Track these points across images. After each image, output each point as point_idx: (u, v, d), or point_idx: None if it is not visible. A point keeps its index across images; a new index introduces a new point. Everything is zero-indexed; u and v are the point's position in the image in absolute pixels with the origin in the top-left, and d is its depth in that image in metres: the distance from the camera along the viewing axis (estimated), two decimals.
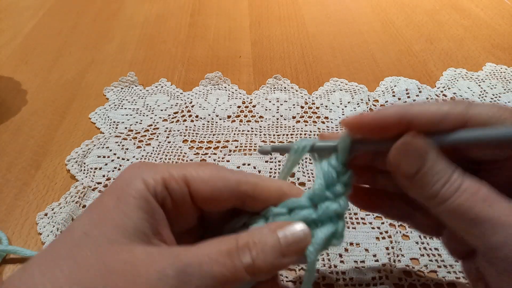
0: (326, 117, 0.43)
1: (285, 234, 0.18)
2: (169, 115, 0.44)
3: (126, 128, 0.42)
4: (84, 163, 0.38)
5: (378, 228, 0.32)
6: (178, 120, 0.43)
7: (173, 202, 0.19)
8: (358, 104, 0.45)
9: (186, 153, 0.39)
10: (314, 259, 0.18)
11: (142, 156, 0.39)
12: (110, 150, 0.40)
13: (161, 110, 0.45)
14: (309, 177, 0.37)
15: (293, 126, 0.42)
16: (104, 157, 0.39)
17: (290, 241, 0.17)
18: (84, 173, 0.37)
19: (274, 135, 0.41)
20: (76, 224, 0.17)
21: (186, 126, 0.43)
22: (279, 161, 0.38)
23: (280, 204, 0.20)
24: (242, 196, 0.19)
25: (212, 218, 0.21)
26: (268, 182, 0.20)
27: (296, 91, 0.47)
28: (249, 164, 0.38)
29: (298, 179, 0.36)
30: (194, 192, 0.19)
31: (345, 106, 0.45)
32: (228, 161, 0.38)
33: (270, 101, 0.45)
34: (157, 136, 0.41)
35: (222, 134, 0.41)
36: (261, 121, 0.43)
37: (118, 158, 0.39)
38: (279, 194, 0.20)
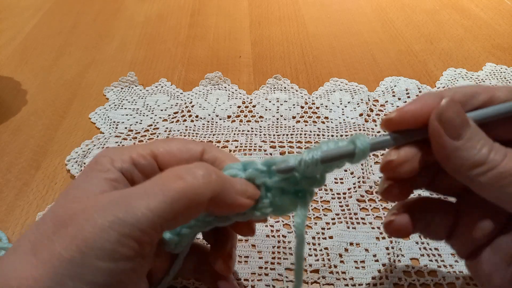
0: (326, 117, 0.43)
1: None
2: (169, 115, 0.44)
3: (126, 128, 0.42)
4: (84, 163, 0.38)
5: (378, 228, 0.32)
6: (178, 120, 0.43)
7: (144, 176, 0.20)
8: (358, 104, 0.45)
9: None
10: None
11: None
12: None
13: (161, 110, 0.45)
14: None
15: (293, 126, 0.42)
16: None
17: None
18: None
19: (274, 135, 0.41)
20: (53, 204, 0.19)
21: (186, 126, 0.43)
22: None
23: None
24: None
25: None
26: (227, 157, 0.22)
27: (296, 91, 0.47)
28: None
29: None
30: (162, 165, 0.20)
31: (345, 106, 0.45)
32: None
33: (270, 101, 0.45)
34: (157, 136, 0.41)
35: (222, 134, 0.41)
36: (261, 121, 0.43)
37: None
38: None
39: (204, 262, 0.24)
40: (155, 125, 0.43)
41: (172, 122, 0.43)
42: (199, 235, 0.28)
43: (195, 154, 0.21)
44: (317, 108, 0.44)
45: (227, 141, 0.40)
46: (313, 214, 0.33)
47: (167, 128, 0.42)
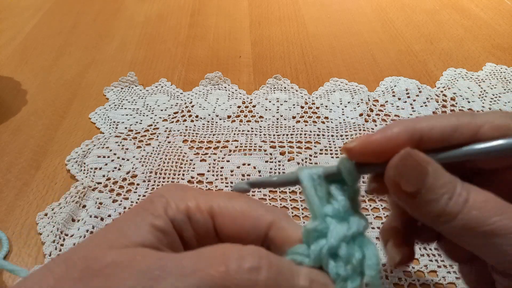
0: (326, 117, 0.43)
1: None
2: (169, 115, 0.44)
3: (126, 128, 0.42)
4: (84, 163, 0.38)
5: (378, 228, 0.32)
6: (178, 120, 0.43)
7: (195, 233, 0.17)
8: (358, 104, 0.45)
9: (186, 153, 0.39)
10: None
11: (142, 156, 0.39)
12: (110, 150, 0.40)
13: (161, 110, 0.45)
14: None
15: (293, 126, 0.42)
16: (104, 157, 0.39)
17: None
18: (84, 173, 0.37)
19: (274, 135, 0.41)
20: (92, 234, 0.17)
21: (186, 126, 0.43)
22: (279, 161, 0.38)
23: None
24: (269, 240, 0.17)
25: None
26: (296, 231, 0.17)
27: (296, 91, 0.47)
28: (249, 164, 0.38)
29: None
30: (219, 227, 0.17)
31: (345, 106, 0.45)
32: (228, 161, 0.38)
33: (270, 101, 0.45)
34: (157, 136, 0.41)
35: (222, 134, 0.41)
36: (261, 121, 0.43)
37: (118, 158, 0.39)
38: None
39: None
40: (155, 125, 0.43)
41: (172, 122, 0.43)
42: None
43: (260, 227, 0.17)
44: (317, 108, 0.44)
45: (227, 141, 0.40)
46: None
47: (167, 128, 0.42)
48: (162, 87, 0.49)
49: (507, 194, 0.17)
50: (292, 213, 0.34)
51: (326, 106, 0.45)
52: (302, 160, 0.38)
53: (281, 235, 0.17)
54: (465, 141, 0.16)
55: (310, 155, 0.39)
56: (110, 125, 0.43)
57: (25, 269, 0.29)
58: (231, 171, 0.37)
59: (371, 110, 0.44)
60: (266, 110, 0.44)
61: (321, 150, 0.39)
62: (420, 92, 0.46)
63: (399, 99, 0.45)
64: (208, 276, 0.14)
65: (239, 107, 0.45)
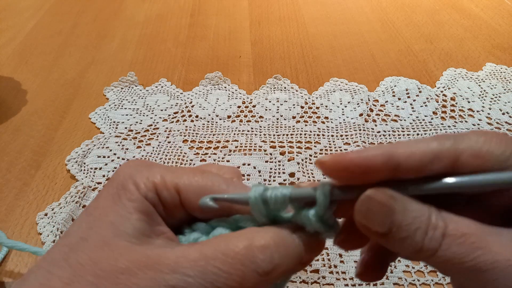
0: (326, 117, 0.43)
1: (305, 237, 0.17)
2: (169, 115, 0.44)
3: (126, 128, 0.42)
4: (84, 163, 0.38)
5: None
6: (178, 120, 0.43)
7: (164, 207, 0.18)
8: (358, 104, 0.45)
9: (186, 153, 0.39)
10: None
11: (142, 156, 0.39)
12: (110, 150, 0.40)
13: (161, 110, 0.45)
14: (309, 177, 0.37)
15: (293, 126, 0.42)
16: (104, 157, 0.39)
17: (310, 245, 0.17)
18: (84, 173, 0.37)
19: (274, 135, 0.41)
20: (73, 229, 0.17)
21: (186, 126, 0.43)
22: (279, 161, 0.38)
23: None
24: (232, 211, 0.19)
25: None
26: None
27: (296, 91, 0.47)
28: (249, 164, 0.38)
29: (298, 179, 0.36)
30: (185, 201, 0.18)
31: (345, 106, 0.45)
32: (228, 161, 0.38)
33: (270, 101, 0.45)
34: (157, 136, 0.41)
35: (222, 134, 0.41)
36: (261, 121, 0.43)
37: (118, 158, 0.39)
38: None
39: None
40: (155, 125, 0.43)
41: (172, 122, 0.43)
42: None
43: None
44: (317, 108, 0.44)
45: (227, 141, 0.40)
46: None
47: (167, 128, 0.42)
48: (162, 87, 0.49)
49: (493, 214, 0.16)
50: None
51: (326, 106, 0.45)
52: (302, 160, 0.38)
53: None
54: (445, 171, 0.15)
55: (310, 155, 0.39)
56: (110, 125, 0.43)
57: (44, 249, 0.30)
58: None
59: (371, 110, 0.44)
60: (266, 110, 0.44)
61: (321, 150, 0.39)
62: (420, 92, 0.46)
63: (399, 99, 0.45)
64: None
65: (239, 107, 0.45)
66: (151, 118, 0.44)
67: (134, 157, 0.39)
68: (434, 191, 0.16)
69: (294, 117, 0.43)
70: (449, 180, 0.15)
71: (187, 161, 0.39)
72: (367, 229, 0.16)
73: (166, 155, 0.39)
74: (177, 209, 0.18)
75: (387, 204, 0.15)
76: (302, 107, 0.45)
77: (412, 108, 0.44)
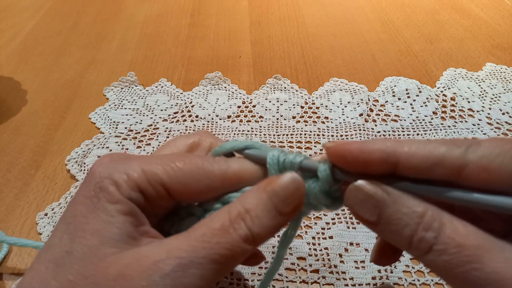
0: (326, 117, 0.43)
1: (274, 189, 0.17)
2: (169, 115, 0.44)
3: (126, 128, 0.42)
4: (84, 163, 0.38)
5: None
6: (178, 120, 0.43)
7: (148, 201, 0.17)
8: (358, 104, 0.45)
9: None
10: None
11: None
12: (110, 150, 0.40)
13: (161, 110, 0.45)
14: None
15: (293, 126, 0.42)
16: None
17: (282, 196, 0.17)
18: (84, 173, 0.37)
19: (274, 135, 0.41)
20: (54, 241, 0.16)
21: (186, 126, 0.43)
22: None
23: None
24: (225, 190, 0.19)
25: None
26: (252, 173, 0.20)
27: (296, 91, 0.47)
28: None
29: None
30: (174, 193, 0.18)
31: (345, 106, 0.45)
32: None
33: (270, 101, 0.45)
34: (157, 136, 0.41)
35: (222, 134, 0.41)
36: (261, 121, 0.43)
37: None
38: None
39: None
40: (155, 125, 0.43)
41: (172, 122, 0.43)
42: None
43: (213, 181, 0.18)
44: (317, 108, 0.44)
45: (227, 141, 0.40)
46: (313, 214, 0.33)
47: (167, 128, 0.42)
48: (162, 87, 0.49)
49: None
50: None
51: (326, 106, 0.45)
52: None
53: (239, 183, 0.19)
54: (447, 178, 0.15)
55: (310, 155, 0.39)
56: (110, 125, 0.43)
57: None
58: None
59: (371, 110, 0.44)
60: (266, 110, 0.44)
61: (321, 150, 0.39)
62: (420, 92, 0.46)
63: (399, 99, 0.45)
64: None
65: (239, 107, 0.45)
66: (151, 118, 0.44)
67: None
68: (433, 196, 0.15)
69: (294, 117, 0.43)
70: (447, 191, 0.15)
71: None
72: (358, 216, 0.17)
73: None
74: (164, 201, 0.18)
75: (375, 196, 0.16)
76: (302, 107, 0.45)
77: (412, 108, 0.44)
